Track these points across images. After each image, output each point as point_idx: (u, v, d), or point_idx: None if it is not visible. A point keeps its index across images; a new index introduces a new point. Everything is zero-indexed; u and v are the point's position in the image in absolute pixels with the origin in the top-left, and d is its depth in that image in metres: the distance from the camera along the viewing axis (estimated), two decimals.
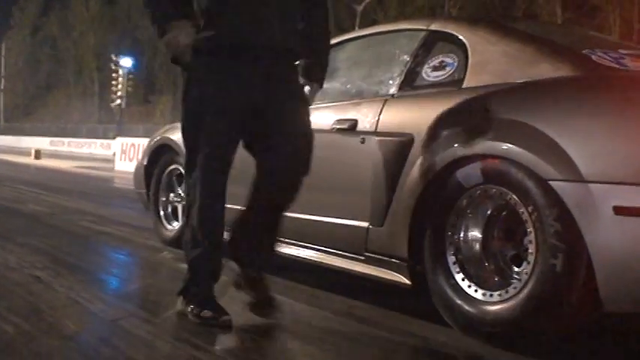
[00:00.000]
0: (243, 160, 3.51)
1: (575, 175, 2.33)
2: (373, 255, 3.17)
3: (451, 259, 2.81)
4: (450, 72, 3.11)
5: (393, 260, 3.05)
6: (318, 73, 3.03)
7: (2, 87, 73.48)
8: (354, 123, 3.32)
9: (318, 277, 3.78)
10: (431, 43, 3.30)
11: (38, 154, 24.68)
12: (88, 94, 63.73)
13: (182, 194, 4.86)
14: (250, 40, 2.75)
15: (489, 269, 2.77)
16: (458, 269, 2.80)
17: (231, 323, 2.70)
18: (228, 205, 3.01)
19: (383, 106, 3.25)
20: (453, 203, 2.82)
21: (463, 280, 2.77)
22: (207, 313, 2.72)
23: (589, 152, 2.35)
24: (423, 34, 3.38)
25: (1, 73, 73.07)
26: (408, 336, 2.80)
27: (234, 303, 3.30)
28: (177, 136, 4.81)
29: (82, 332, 2.69)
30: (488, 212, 2.80)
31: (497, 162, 2.62)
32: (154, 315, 2.94)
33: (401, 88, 3.29)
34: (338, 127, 3.40)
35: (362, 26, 29.47)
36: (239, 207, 3.37)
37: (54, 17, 65.67)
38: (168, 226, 4.95)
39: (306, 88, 3.00)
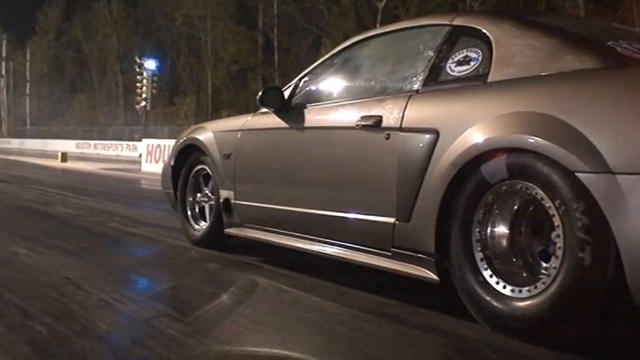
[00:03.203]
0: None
1: (603, 167, 2.31)
2: (400, 251, 3.17)
3: (479, 255, 2.81)
4: (475, 66, 3.09)
5: (420, 256, 3.05)
6: None
7: (28, 91, 74.28)
8: (378, 119, 3.32)
9: (345, 274, 3.79)
10: (455, 38, 3.29)
11: (65, 157, 24.88)
12: (113, 96, 64.22)
13: (209, 194, 4.89)
14: None
15: (517, 265, 2.76)
16: (486, 266, 2.79)
17: None
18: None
19: (407, 101, 3.25)
20: (479, 199, 2.81)
21: (491, 276, 2.76)
22: None
23: (616, 143, 2.33)
24: (446, 29, 3.37)
25: (26, 77, 73.86)
26: (436, 332, 2.79)
27: (263, 300, 3.33)
28: (203, 136, 4.85)
29: (114, 332, 2.72)
30: (515, 208, 2.79)
31: (522, 156, 2.61)
32: (184, 314, 2.97)
33: (425, 83, 3.28)
34: (363, 123, 3.40)
35: (383, 23, 29.44)
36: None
37: (77, 21, 66.18)
38: (196, 226, 4.99)
39: None
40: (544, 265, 2.66)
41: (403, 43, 3.78)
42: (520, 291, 2.63)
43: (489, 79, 2.97)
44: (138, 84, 34.73)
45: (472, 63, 3.11)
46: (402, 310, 3.14)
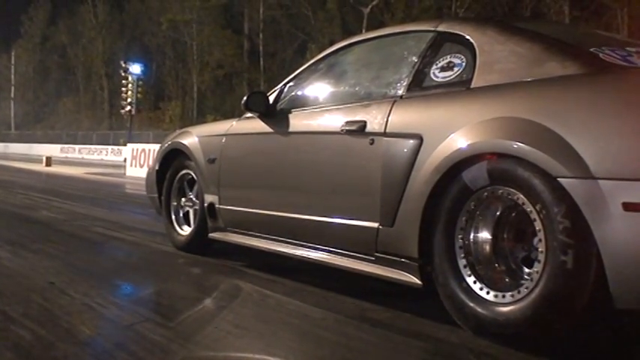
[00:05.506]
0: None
1: (584, 172, 2.33)
2: (383, 255, 3.18)
3: (462, 261, 2.82)
4: (458, 72, 3.11)
5: (404, 260, 3.06)
6: None
7: (13, 95, 73.85)
8: (363, 124, 3.33)
9: (329, 279, 3.79)
10: (439, 44, 3.30)
11: (49, 161, 24.78)
12: (98, 101, 63.99)
13: (193, 199, 4.89)
14: None
15: (500, 270, 2.77)
16: (469, 272, 2.80)
17: None
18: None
19: (391, 107, 3.26)
20: (462, 205, 2.82)
21: (474, 282, 2.77)
22: None
23: (597, 149, 2.35)
24: (430, 35, 3.39)
25: (11, 81, 73.45)
26: (420, 338, 2.80)
27: (247, 305, 3.33)
28: (188, 140, 4.84)
29: (98, 337, 2.71)
30: (498, 213, 2.80)
31: (503, 161, 2.63)
32: (168, 319, 2.96)
33: (409, 89, 3.29)
34: (347, 128, 3.41)
35: (369, 29, 29.52)
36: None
37: (63, 25, 65.92)
38: (180, 231, 4.98)
39: None
40: (527, 270, 2.67)
41: (388, 49, 3.79)
42: (503, 296, 2.64)
43: (473, 85, 2.99)
44: (123, 88, 34.55)
45: (456, 69, 3.13)
46: (386, 316, 3.14)
